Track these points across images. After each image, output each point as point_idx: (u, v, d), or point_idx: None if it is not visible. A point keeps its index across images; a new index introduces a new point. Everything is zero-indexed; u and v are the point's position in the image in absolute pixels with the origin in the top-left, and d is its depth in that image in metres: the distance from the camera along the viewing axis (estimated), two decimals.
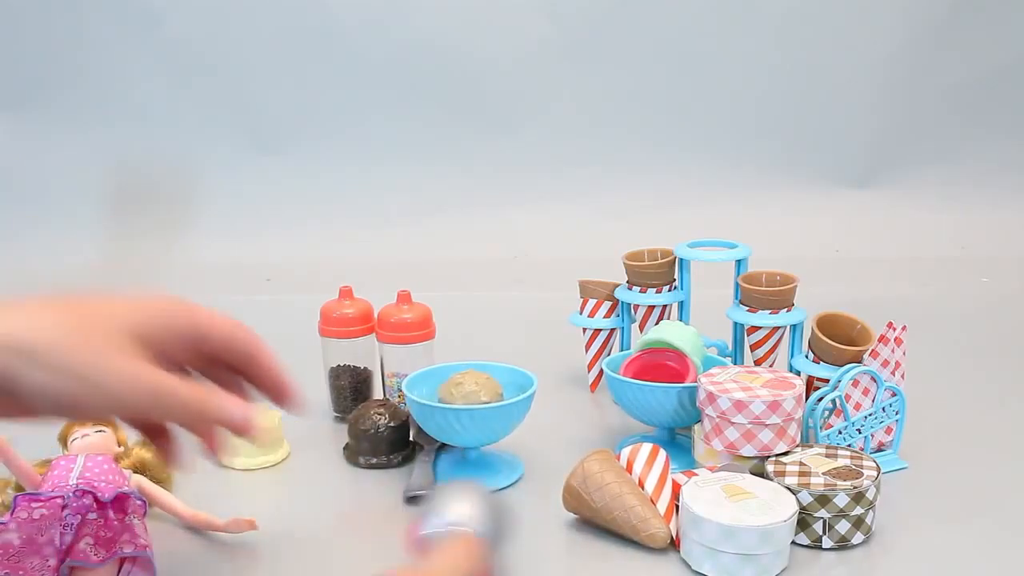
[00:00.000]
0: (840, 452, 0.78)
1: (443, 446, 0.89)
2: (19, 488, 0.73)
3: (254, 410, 0.52)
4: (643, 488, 0.77)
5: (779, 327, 0.95)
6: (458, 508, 0.58)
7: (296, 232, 1.70)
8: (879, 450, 0.88)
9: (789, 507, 0.70)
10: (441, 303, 1.00)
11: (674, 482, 0.78)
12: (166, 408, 0.53)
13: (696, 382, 0.83)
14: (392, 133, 1.73)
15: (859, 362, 0.87)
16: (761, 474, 0.76)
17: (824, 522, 0.72)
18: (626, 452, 0.78)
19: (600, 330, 1.05)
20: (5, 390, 0.50)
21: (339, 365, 0.98)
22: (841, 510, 0.72)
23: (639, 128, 1.75)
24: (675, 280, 1.03)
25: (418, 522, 0.59)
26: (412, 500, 0.81)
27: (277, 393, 0.60)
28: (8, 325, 0.49)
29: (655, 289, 1.02)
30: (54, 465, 0.71)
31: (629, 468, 0.78)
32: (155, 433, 0.60)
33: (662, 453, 0.78)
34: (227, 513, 0.76)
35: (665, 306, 1.03)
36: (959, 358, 1.18)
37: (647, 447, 0.78)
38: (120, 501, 0.68)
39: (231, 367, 0.59)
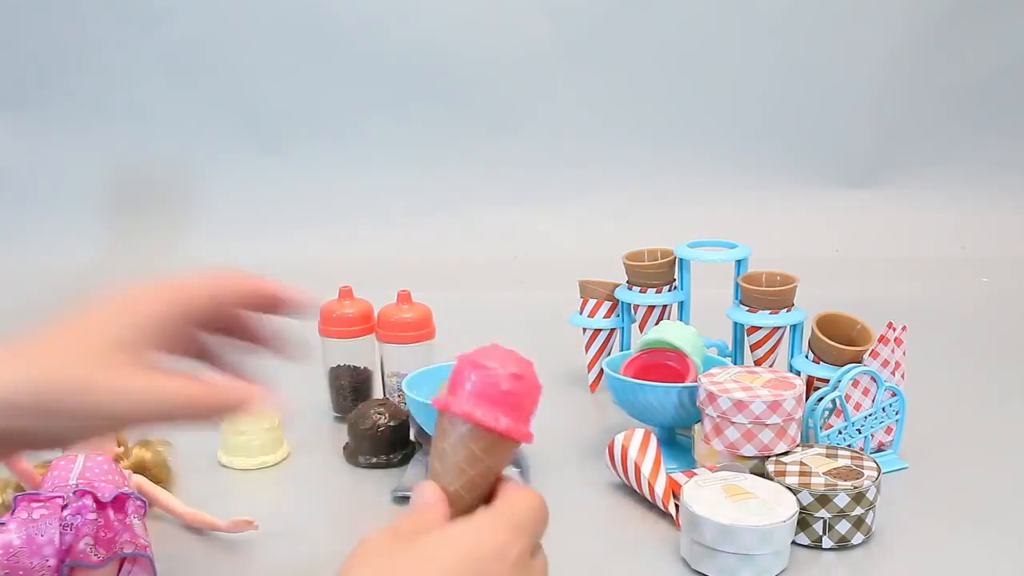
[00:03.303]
0: (840, 452, 0.78)
1: None
2: (19, 488, 0.73)
3: (253, 389, 0.50)
4: (640, 472, 0.78)
5: (779, 327, 0.95)
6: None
7: (296, 232, 1.69)
8: (879, 450, 0.88)
9: (789, 507, 0.70)
10: (441, 303, 1.00)
11: (674, 482, 0.78)
12: (168, 414, 0.51)
13: (696, 382, 0.83)
14: (392, 133, 1.73)
15: (859, 362, 0.87)
16: (761, 474, 0.76)
17: (824, 522, 0.72)
18: (620, 438, 0.81)
19: (600, 330, 1.05)
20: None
21: (339, 365, 0.98)
22: (841, 510, 0.72)
23: (639, 128, 1.75)
24: (675, 280, 1.03)
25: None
26: (402, 500, 0.81)
27: (303, 312, 0.57)
28: None
29: (655, 289, 1.02)
30: (54, 465, 0.71)
31: (624, 454, 0.79)
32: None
33: (654, 438, 0.81)
34: (227, 513, 0.75)
35: (665, 306, 1.03)
36: (959, 358, 1.18)
37: (640, 432, 0.80)
38: (120, 501, 0.68)
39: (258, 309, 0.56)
